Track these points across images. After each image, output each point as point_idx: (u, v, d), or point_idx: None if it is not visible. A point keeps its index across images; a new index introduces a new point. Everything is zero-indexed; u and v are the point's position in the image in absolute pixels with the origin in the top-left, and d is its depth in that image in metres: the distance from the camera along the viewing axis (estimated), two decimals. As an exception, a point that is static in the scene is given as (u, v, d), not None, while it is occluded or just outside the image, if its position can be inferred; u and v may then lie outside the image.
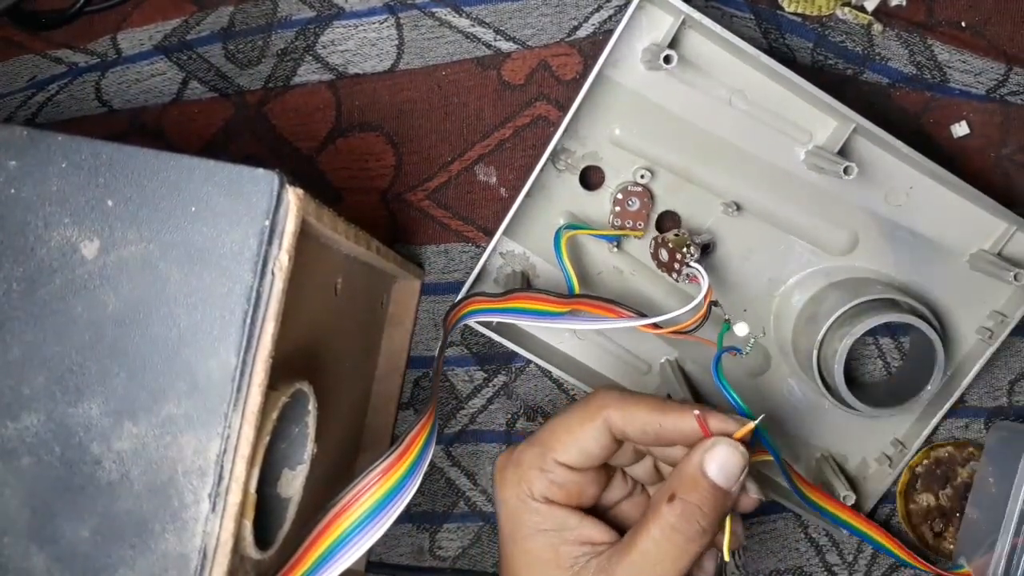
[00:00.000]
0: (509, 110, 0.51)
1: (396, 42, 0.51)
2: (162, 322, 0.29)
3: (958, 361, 0.51)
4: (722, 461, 0.34)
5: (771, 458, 0.37)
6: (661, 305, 0.50)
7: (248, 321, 0.29)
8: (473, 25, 0.51)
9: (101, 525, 0.29)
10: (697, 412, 0.35)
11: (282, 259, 0.30)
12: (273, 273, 0.29)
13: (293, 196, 0.30)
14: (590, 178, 0.49)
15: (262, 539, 0.31)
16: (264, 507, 0.32)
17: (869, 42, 0.51)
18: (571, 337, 0.51)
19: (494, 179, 0.52)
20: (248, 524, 0.30)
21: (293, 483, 0.34)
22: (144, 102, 0.52)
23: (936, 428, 0.52)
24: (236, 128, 0.52)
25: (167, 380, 0.29)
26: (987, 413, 0.54)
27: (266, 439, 0.30)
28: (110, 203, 0.30)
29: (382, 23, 0.51)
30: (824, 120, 0.48)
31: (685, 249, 0.46)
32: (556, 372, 0.50)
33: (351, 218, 0.37)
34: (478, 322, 0.46)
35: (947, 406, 0.50)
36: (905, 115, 0.52)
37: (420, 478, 0.35)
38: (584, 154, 0.49)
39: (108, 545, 0.29)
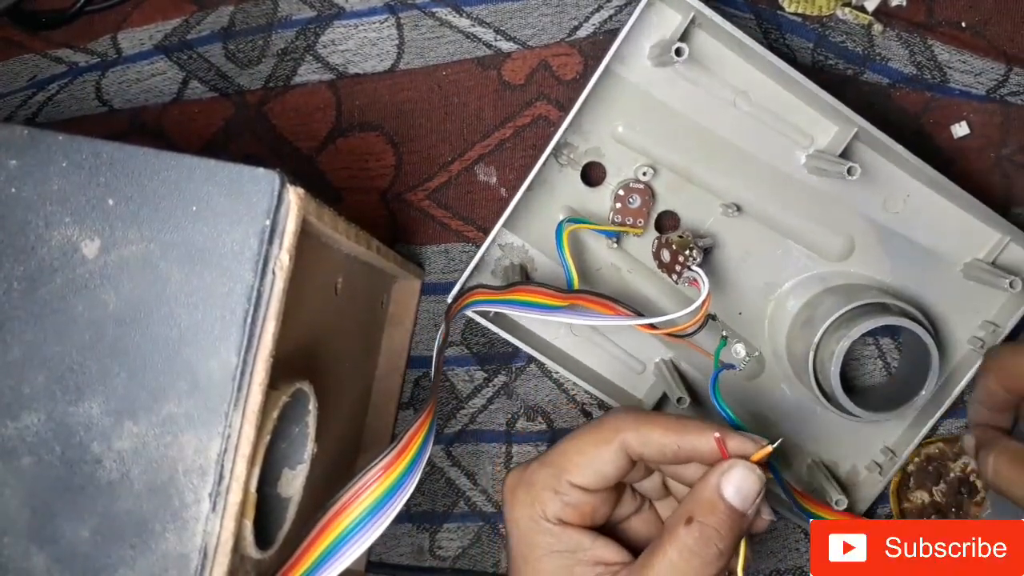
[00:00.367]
0: (509, 110, 0.51)
1: (396, 42, 0.51)
2: (163, 321, 0.29)
3: (950, 369, 0.51)
4: (739, 484, 0.34)
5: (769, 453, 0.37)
6: (658, 304, 0.50)
7: (249, 320, 0.29)
8: (473, 25, 0.51)
9: (101, 525, 0.29)
10: (717, 435, 0.35)
11: (283, 259, 0.30)
12: (274, 272, 0.29)
13: (294, 196, 0.30)
14: (591, 174, 0.49)
15: (262, 539, 0.31)
16: (264, 507, 0.32)
17: (869, 42, 0.51)
18: (567, 334, 0.51)
19: (494, 179, 0.52)
20: (248, 524, 0.30)
21: (293, 483, 0.34)
22: (144, 102, 0.52)
23: (927, 435, 0.52)
24: (236, 128, 0.52)
25: (168, 379, 0.29)
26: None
27: (266, 438, 0.30)
28: (111, 202, 0.30)
29: (382, 23, 0.51)
30: (826, 124, 0.48)
31: (688, 252, 0.46)
32: (552, 366, 0.50)
33: (351, 218, 0.37)
34: (476, 311, 0.46)
35: (938, 414, 0.50)
36: (905, 115, 0.52)
37: (419, 475, 0.35)
38: (587, 149, 0.49)
39: (108, 545, 0.29)
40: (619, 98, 0.48)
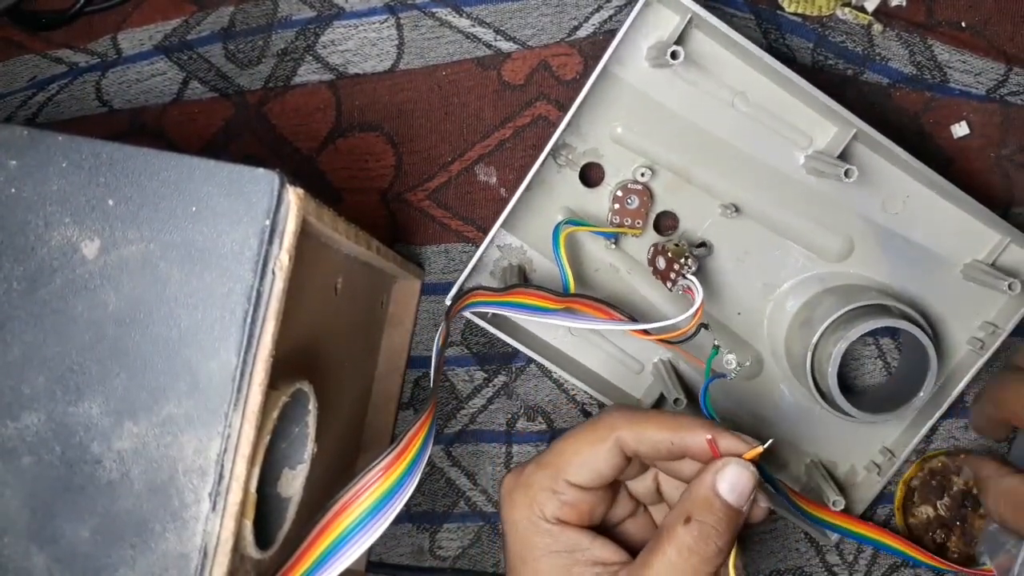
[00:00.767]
0: (509, 110, 0.51)
1: (396, 42, 0.51)
2: (162, 322, 0.29)
3: (949, 371, 0.51)
4: (734, 481, 0.35)
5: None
6: (655, 306, 0.51)
7: (248, 321, 0.29)
8: (473, 25, 0.51)
9: (101, 525, 0.29)
10: (709, 436, 0.35)
11: (282, 259, 0.30)
12: (273, 273, 0.29)
13: (293, 196, 0.30)
14: (590, 175, 0.49)
15: (262, 539, 0.31)
16: (264, 507, 0.32)
17: (869, 42, 0.51)
18: (565, 334, 0.51)
19: (494, 179, 0.52)
20: (248, 524, 0.30)
21: (293, 483, 0.34)
22: (144, 102, 0.52)
23: (927, 436, 0.52)
24: (236, 128, 0.52)
25: (167, 380, 0.29)
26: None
27: (266, 438, 0.30)
28: (111, 203, 0.30)
29: (382, 23, 0.51)
30: (824, 125, 0.48)
31: (683, 260, 0.46)
32: (550, 367, 0.50)
33: (351, 218, 0.37)
34: (474, 312, 0.47)
35: (936, 415, 0.50)
36: (905, 115, 0.52)
37: (419, 476, 0.35)
38: (585, 150, 0.49)
39: (108, 545, 0.29)
40: (617, 99, 0.48)
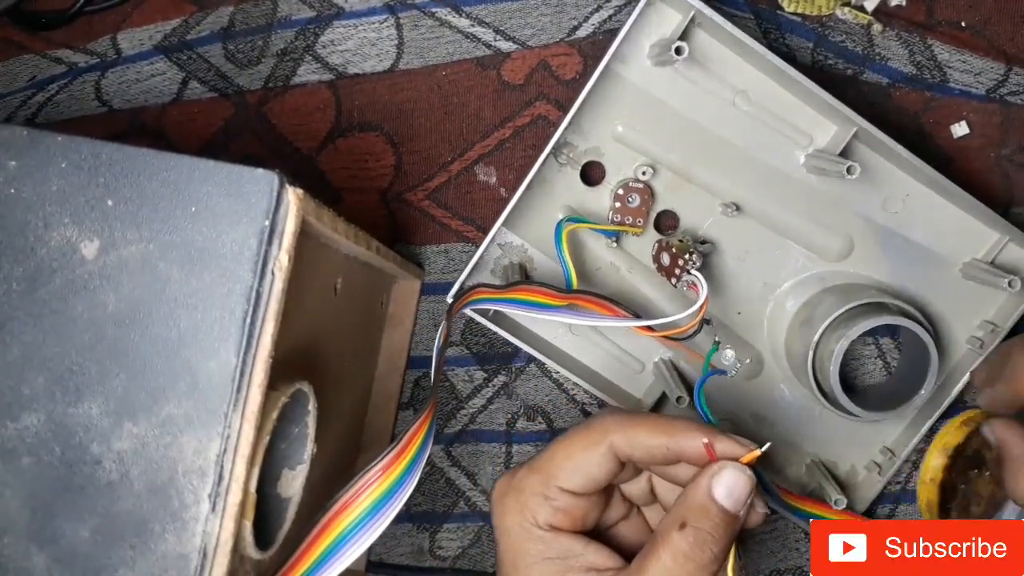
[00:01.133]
0: (509, 110, 0.51)
1: (396, 42, 0.51)
2: (162, 322, 0.29)
3: (949, 370, 0.51)
4: (730, 486, 0.34)
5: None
6: (657, 304, 0.50)
7: (248, 321, 0.29)
8: (473, 25, 0.51)
9: (101, 525, 0.29)
10: (706, 440, 0.35)
11: (282, 259, 0.30)
12: (273, 273, 0.29)
13: (293, 196, 0.30)
14: (591, 173, 0.49)
15: (262, 539, 0.31)
16: (264, 507, 0.32)
17: (869, 42, 0.51)
18: (567, 333, 0.51)
19: (494, 179, 0.52)
20: (248, 524, 0.30)
21: (293, 483, 0.34)
22: (144, 102, 0.52)
23: (927, 435, 0.52)
24: (236, 128, 0.52)
25: (167, 380, 0.29)
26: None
27: (266, 439, 0.30)
28: (110, 203, 0.30)
29: (382, 23, 0.51)
30: (825, 123, 0.48)
31: (688, 256, 0.46)
32: (551, 366, 0.50)
33: (351, 218, 0.37)
34: (476, 309, 0.47)
35: (937, 414, 0.50)
36: (905, 115, 0.52)
37: (419, 475, 0.35)
38: (586, 149, 0.49)
39: (108, 545, 0.29)
40: (619, 97, 0.48)
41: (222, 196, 0.29)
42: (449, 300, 0.47)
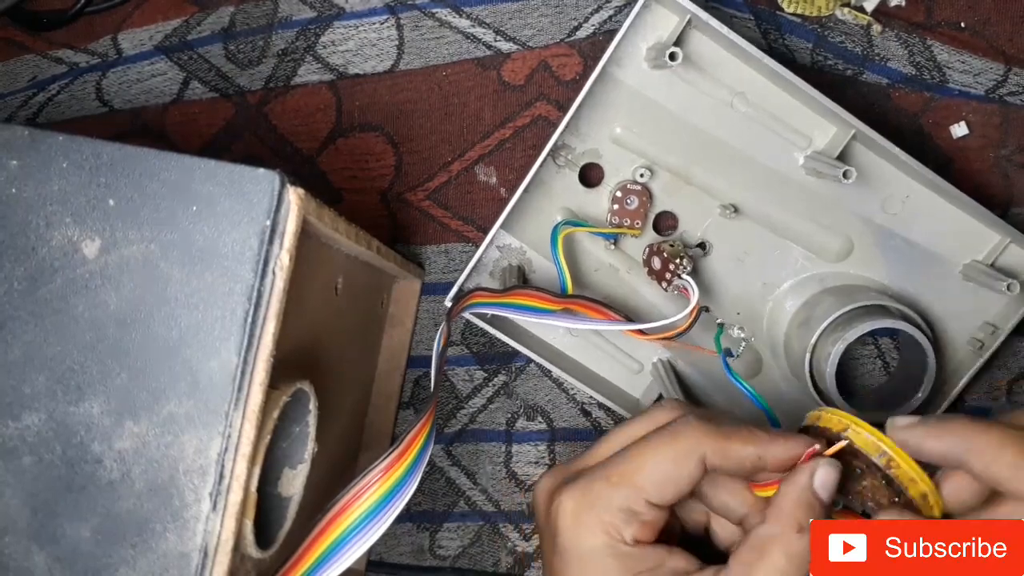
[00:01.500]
0: (509, 110, 0.51)
1: (396, 42, 0.51)
2: (163, 322, 0.29)
3: (948, 371, 0.51)
4: (824, 479, 0.35)
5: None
6: (656, 305, 0.51)
7: (249, 320, 0.29)
8: (473, 25, 0.51)
9: (102, 524, 0.29)
10: (816, 447, 0.35)
11: (283, 259, 0.30)
12: (274, 273, 0.29)
13: (294, 196, 0.30)
14: (589, 175, 0.50)
15: (263, 538, 0.31)
16: (265, 506, 0.32)
17: (868, 43, 0.52)
18: (565, 334, 0.51)
19: (494, 179, 0.52)
20: (249, 523, 0.30)
21: (294, 482, 0.34)
22: (145, 102, 0.52)
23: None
24: (237, 128, 0.52)
25: (168, 379, 0.29)
26: (986, 414, 0.54)
27: (267, 438, 0.30)
28: (111, 203, 0.30)
29: (382, 23, 0.51)
30: (824, 125, 0.48)
31: (678, 260, 0.46)
32: (550, 367, 0.50)
33: (351, 218, 0.37)
34: (473, 314, 0.47)
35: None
36: (904, 116, 0.52)
37: (420, 476, 0.35)
38: (584, 151, 0.49)
39: (109, 544, 0.29)
40: (616, 100, 0.48)
41: (223, 196, 0.29)
42: (447, 304, 0.47)
